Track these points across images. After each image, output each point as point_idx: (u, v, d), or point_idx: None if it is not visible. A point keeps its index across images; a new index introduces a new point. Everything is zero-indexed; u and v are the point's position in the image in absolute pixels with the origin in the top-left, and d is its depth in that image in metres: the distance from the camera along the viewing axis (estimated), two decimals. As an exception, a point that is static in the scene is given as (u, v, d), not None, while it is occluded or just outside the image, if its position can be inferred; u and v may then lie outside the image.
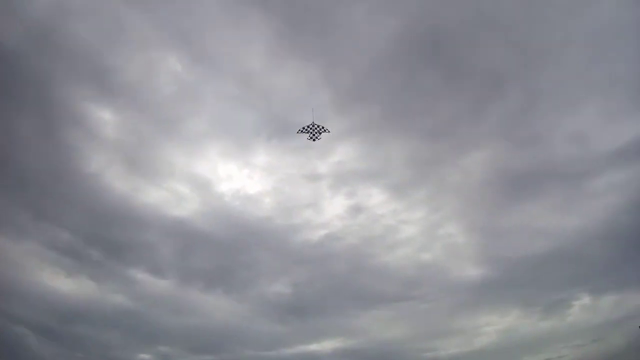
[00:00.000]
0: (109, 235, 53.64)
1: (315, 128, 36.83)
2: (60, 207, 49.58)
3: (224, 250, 59.01)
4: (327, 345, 58.94)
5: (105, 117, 53.57)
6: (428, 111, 60.02)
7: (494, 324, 57.19)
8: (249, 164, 61.34)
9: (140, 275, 54.99)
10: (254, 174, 61.67)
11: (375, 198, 62.47)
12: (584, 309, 53.32)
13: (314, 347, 58.80)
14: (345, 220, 62.34)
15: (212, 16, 55.08)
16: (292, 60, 58.54)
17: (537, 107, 54.39)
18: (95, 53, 50.66)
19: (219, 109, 59.80)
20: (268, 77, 59.36)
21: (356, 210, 62.34)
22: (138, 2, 51.01)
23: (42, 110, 48.42)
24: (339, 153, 61.74)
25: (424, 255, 61.06)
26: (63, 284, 49.79)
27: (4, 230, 46.57)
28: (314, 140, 36.77)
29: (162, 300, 54.77)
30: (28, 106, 47.26)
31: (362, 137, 61.67)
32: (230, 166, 60.90)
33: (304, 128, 37.15)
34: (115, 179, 54.17)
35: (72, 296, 49.48)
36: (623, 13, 46.05)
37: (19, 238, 47.75)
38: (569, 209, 54.25)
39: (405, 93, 59.91)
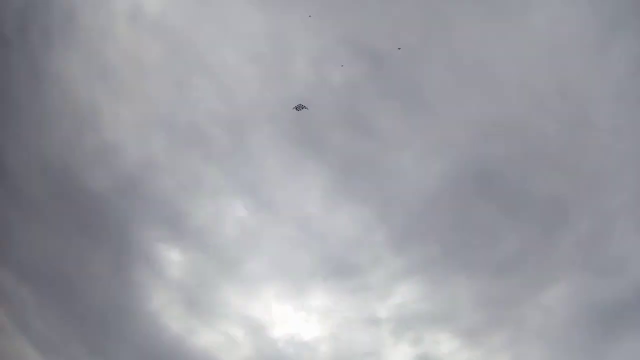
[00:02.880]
0: (157, 379, 51.52)
1: (302, 106, 44.13)
2: (115, 344, 49.93)
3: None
4: None
5: (173, 258, 57.54)
6: (491, 245, 57.14)
7: None
8: (305, 307, 59.29)
9: None
10: (310, 317, 58.88)
11: (446, 345, 55.32)
12: None
13: None
14: (413, 373, 54.71)
15: (274, 169, 62.15)
16: (346, 204, 61.78)
17: (611, 229, 49.86)
18: (171, 200, 57.89)
19: (277, 251, 61.76)
20: (324, 220, 62.04)
21: (424, 360, 55.08)
22: (213, 158, 59.84)
23: (116, 249, 53.71)
24: (400, 294, 58.47)
25: (515, 417, 49.67)
26: None
27: (59, 363, 47.09)
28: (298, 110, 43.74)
29: None
30: (104, 244, 53.02)
31: (422, 276, 58.72)
32: (285, 308, 59.26)
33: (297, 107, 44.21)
34: (172, 319, 54.71)
35: None
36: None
37: (71, 373, 47.57)
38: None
39: (463, 229, 58.63)
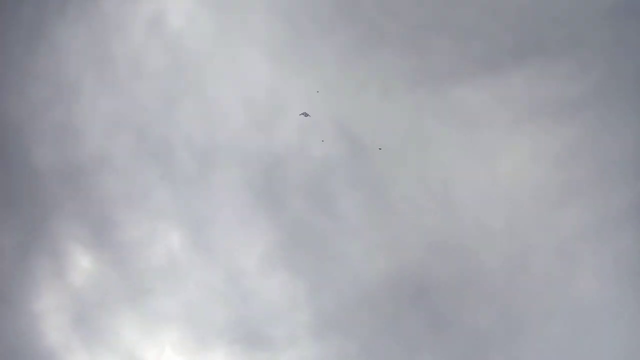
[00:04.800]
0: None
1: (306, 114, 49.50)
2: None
3: None
4: None
5: (81, 263, 52.14)
6: (409, 359, 55.99)
7: None
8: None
9: None
10: (203, 380, 53.13)
11: None
12: None
13: None
14: None
15: (225, 212, 60.48)
16: (282, 272, 59.63)
17: (524, 375, 50.61)
18: (108, 204, 54.24)
19: (194, 296, 57.45)
20: (255, 280, 59.21)
21: None
22: (170, 180, 57.91)
23: (27, 229, 48.35)
24: (304, 383, 54.64)
25: None
26: None
27: None
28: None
29: None
30: (17, 219, 47.73)
31: (333, 372, 55.68)
32: (179, 360, 53.45)
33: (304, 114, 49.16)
34: (53, 328, 47.82)
35: None
36: (604, 289, 48.96)
37: None
38: None
39: (386, 334, 57.34)
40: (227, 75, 59.91)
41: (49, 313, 48.14)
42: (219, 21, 58.62)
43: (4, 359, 42.45)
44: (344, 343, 56.36)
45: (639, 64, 51.38)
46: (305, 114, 49.74)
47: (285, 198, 61.16)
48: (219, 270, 58.31)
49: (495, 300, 54.99)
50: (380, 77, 59.66)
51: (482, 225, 58.54)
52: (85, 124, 54.60)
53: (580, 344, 49.12)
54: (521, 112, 55.16)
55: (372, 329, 58.03)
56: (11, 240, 47.87)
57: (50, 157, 51.96)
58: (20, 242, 48.25)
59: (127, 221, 55.52)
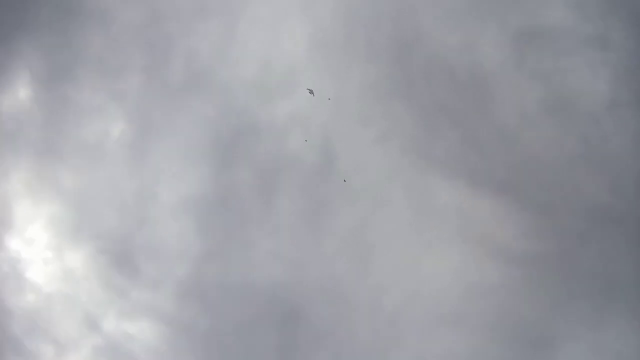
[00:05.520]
0: None
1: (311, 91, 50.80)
2: None
3: None
4: None
5: (19, 92, 50.09)
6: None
7: None
8: (60, 249, 52.37)
9: None
10: (57, 265, 51.80)
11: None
12: None
13: None
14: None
15: (179, 135, 58.71)
16: (191, 223, 56.87)
17: None
18: (82, 58, 52.39)
19: (98, 188, 55.76)
20: (161, 212, 57.48)
21: None
22: (150, 76, 56.45)
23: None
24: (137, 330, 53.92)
25: None
26: None
27: None
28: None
29: None
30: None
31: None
32: (43, 236, 51.77)
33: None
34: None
35: None
36: None
37: None
38: None
39: (240, 336, 56.48)
40: (263, 28, 59.00)
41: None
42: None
43: None
44: (195, 317, 54.97)
45: (597, 267, 52.64)
46: (311, 91, 51.20)
47: (237, 163, 59.88)
48: (137, 181, 56.23)
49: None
50: (386, 123, 59.74)
51: (376, 298, 57.92)
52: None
53: None
54: (473, 234, 56.12)
55: (229, 322, 56.88)
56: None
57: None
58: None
59: (87, 84, 53.66)
